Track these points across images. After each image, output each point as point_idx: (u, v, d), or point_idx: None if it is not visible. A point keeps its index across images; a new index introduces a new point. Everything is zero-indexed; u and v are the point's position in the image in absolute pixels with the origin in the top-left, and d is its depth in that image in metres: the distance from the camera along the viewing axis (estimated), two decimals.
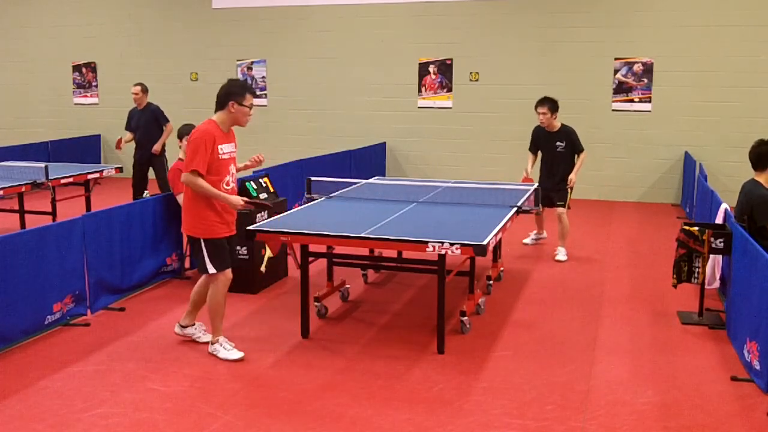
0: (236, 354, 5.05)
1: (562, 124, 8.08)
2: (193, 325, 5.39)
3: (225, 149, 5.01)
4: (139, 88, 9.81)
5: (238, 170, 5.28)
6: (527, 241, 8.70)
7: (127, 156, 10.82)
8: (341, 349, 5.29)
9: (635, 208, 11.19)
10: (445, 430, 4.12)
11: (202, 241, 4.96)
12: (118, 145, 9.93)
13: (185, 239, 7.22)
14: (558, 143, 8.05)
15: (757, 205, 5.78)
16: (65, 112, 14.58)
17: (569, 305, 6.40)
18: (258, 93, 13.43)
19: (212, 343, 5.14)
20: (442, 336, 5.24)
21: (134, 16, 13.95)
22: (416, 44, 12.49)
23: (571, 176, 8.01)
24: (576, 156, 8.09)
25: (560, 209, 8.03)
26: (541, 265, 7.78)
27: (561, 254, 7.99)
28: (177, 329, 5.41)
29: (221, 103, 4.97)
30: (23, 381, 4.72)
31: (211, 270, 5.00)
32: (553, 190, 8.04)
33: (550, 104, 7.97)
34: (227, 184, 5.02)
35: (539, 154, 8.28)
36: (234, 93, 4.94)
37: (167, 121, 9.82)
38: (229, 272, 5.10)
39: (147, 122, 9.75)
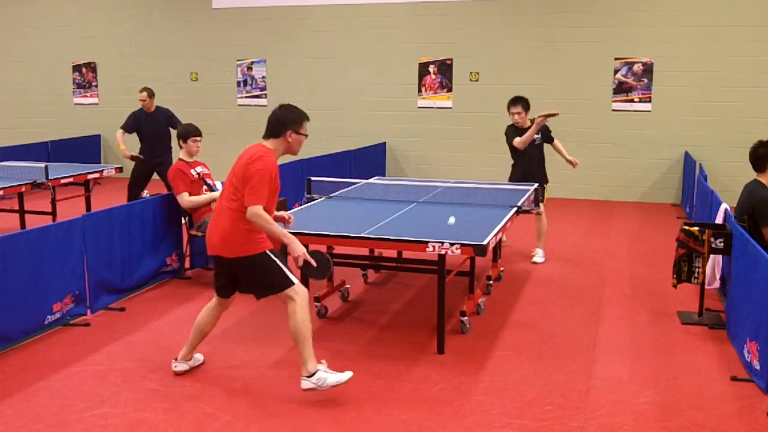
0: (344, 375, 4.43)
1: (530, 119, 8.12)
2: (318, 369, 4.45)
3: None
4: (145, 93, 9.79)
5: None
6: (538, 259, 8.00)
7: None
8: (341, 349, 5.29)
9: (635, 208, 11.18)
10: (445, 430, 4.12)
11: (268, 252, 4.43)
12: (135, 158, 9.78)
13: (185, 239, 7.25)
14: (534, 137, 8.03)
15: (759, 206, 5.78)
16: (65, 112, 14.58)
17: (569, 305, 6.39)
18: (258, 93, 13.44)
19: (308, 376, 4.41)
20: (442, 336, 5.24)
21: (134, 16, 13.96)
22: (416, 44, 12.49)
23: (573, 159, 8.17)
24: (546, 145, 8.20)
25: (540, 208, 7.85)
26: (541, 265, 7.78)
27: (539, 256, 7.89)
28: (304, 383, 4.45)
29: (275, 131, 4.56)
30: (23, 381, 4.72)
31: (294, 280, 4.40)
32: (531, 181, 7.98)
33: (523, 103, 8.03)
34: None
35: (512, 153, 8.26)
36: (291, 121, 4.57)
37: (180, 123, 9.76)
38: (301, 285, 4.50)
39: (159, 126, 9.72)
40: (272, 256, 4.44)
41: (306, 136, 4.68)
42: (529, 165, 7.98)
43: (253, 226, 4.40)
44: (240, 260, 4.46)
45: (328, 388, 4.39)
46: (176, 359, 4.81)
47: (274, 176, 4.46)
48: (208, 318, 4.80)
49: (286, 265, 4.43)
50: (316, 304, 5.97)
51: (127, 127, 9.83)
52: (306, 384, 4.41)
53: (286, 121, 4.58)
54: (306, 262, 4.47)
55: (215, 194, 7.07)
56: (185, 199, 6.95)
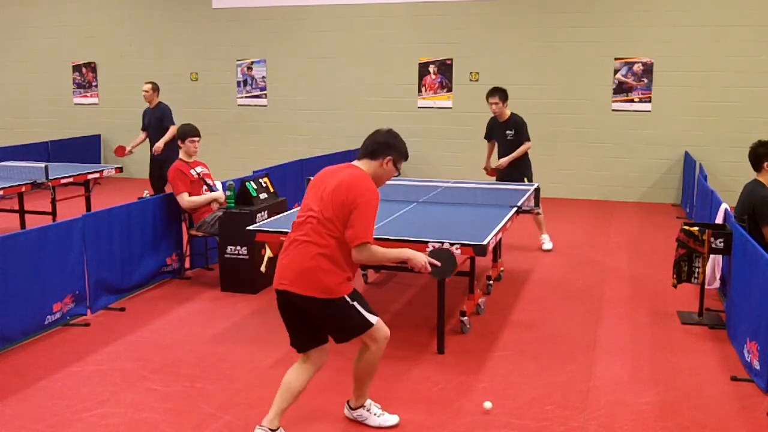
0: (392, 419, 4.21)
1: (512, 113, 8.39)
2: (363, 405, 4.24)
3: None
4: (150, 86, 9.82)
5: None
6: (547, 246, 8.38)
7: (141, 152, 10.71)
8: (341, 349, 5.27)
9: (635, 208, 11.18)
10: (445, 430, 4.12)
11: (347, 298, 3.86)
12: (119, 153, 9.87)
13: (185, 239, 7.26)
14: (507, 132, 8.36)
15: (759, 206, 5.78)
16: (65, 112, 14.58)
17: (569, 305, 6.39)
18: (258, 93, 13.44)
19: (354, 408, 4.23)
20: (442, 336, 5.24)
21: (134, 16, 13.95)
22: (416, 44, 12.49)
23: (503, 160, 8.31)
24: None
25: (539, 208, 8.03)
26: (541, 265, 7.78)
27: (547, 242, 8.38)
28: (346, 411, 4.28)
29: (375, 153, 4.06)
30: (23, 381, 4.72)
31: (372, 319, 3.92)
32: (506, 180, 8.26)
33: (500, 94, 8.27)
34: None
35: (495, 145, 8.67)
36: (396, 149, 4.09)
37: (172, 123, 9.77)
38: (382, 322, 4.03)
39: (155, 121, 9.76)
40: (350, 299, 3.87)
41: (398, 173, 4.25)
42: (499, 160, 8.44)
43: (343, 268, 3.85)
44: (318, 301, 3.82)
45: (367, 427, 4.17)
46: (260, 425, 3.93)
47: (377, 209, 3.89)
48: (298, 375, 3.99)
49: (366, 305, 3.94)
50: None
51: (143, 126, 9.91)
52: (348, 413, 4.25)
53: (391, 146, 4.09)
54: (432, 266, 4.06)
55: (215, 194, 7.07)
56: (185, 199, 6.94)
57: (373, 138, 4.13)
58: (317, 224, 3.82)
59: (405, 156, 4.16)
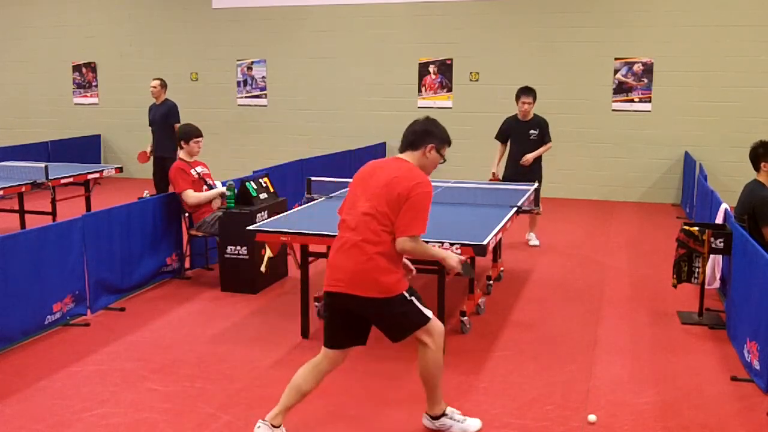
0: (475, 423, 4.10)
1: (534, 113, 8.35)
2: (445, 413, 4.08)
3: None
4: (158, 82, 9.86)
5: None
6: (534, 243, 8.58)
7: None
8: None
9: (635, 208, 11.18)
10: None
11: (406, 294, 3.81)
12: (142, 159, 9.84)
13: (185, 239, 7.26)
14: (531, 131, 8.27)
15: (759, 206, 5.78)
16: (65, 112, 14.58)
17: (569, 305, 6.39)
18: (258, 93, 13.44)
19: (435, 417, 4.05)
20: None
21: (134, 16, 13.95)
22: (416, 44, 12.49)
23: (528, 156, 8.19)
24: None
25: (540, 208, 8.00)
26: (541, 265, 7.78)
27: (534, 239, 8.52)
28: (426, 422, 4.11)
29: (415, 142, 3.99)
30: (23, 381, 4.72)
31: (429, 314, 3.87)
32: (522, 176, 8.15)
33: (534, 94, 8.23)
34: None
35: (507, 145, 8.56)
36: (436, 136, 3.99)
37: (177, 121, 9.79)
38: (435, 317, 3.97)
39: (161, 117, 9.76)
40: (408, 295, 3.82)
41: (444, 160, 4.06)
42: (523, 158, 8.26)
43: (399, 266, 3.83)
44: (376, 301, 3.75)
45: None
46: (263, 419, 3.91)
47: (430, 201, 3.83)
48: (309, 375, 3.94)
49: (420, 300, 3.88)
50: (316, 304, 5.97)
51: (149, 121, 9.91)
52: (427, 423, 4.08)
53: (430, 133, 3.99)
54: (463, 263, 4.05)
55: (221, 189, 7.03)
56: (190, 195, 6.91)
57: (411, 128, 4.05)
58: (371, 220, 3.74)
59: (447, 141, 4.04)
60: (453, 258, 4.00)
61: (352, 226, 3.80)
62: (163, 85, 9.87)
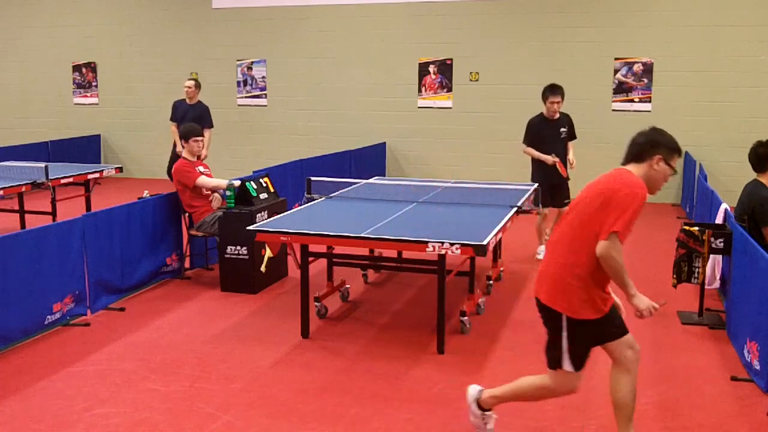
0: None
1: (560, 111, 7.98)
2: (489, 411, 3.97)
3: None
4: (192, 83, 9.88)
5: None
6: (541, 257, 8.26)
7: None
8: (341, 349, 5.29)
9: None
10: (445, 430, 4.12)
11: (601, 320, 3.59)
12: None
13: (185, 239, 7.25)
14: (561, 129, 7.86)
15: (759, 206, 5.78)
16: (65, 112, 14.58)
17: None
18: (258, 93, 13.44)
19: None
20: (442, 336, 5.24)
21: (134, 16, 13.95)
22: (416, 44, 12.49)
23: (570, 157, 7.85)
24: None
25: (544, 209, 7.69)
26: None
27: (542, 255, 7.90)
28: (473, 406, 3.96)
29: (640, 154, 3.69)
30: (23, 381, 4.72)
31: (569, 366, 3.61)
32: (559, 185, 7.76)
33: (562, 91, 7.77)
34: None
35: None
36: (664, 145, 3.68)
37: (211, 125, 9.80)
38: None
39: (194, 119, 9.74)
40: (605, 324, 3.56)
41: (675, 172, 3.76)
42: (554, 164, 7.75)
43: (597, 285, 3.57)
44: (569, 320, 3.57)
45: None
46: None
47: (641, 208, 3.52)
48: (615, 385, 3.72)
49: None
50: (316, 304, 5.97)
51: (176, 118, 9.87)
52: None
53: (657, 143, 3.69)
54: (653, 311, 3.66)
55: (235, 182, 7.02)
56: (206, 181, 6.97)
57: (636, 139, 3.77)
58: (574, 238, 3.60)
59: (677, 150, 3.72)
60: (643, 301, 3.62)
61: (556, 253, 3.69)
62: (198, 85, 9.89)
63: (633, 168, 3.69)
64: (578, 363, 3.60)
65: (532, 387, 3.81)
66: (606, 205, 3.50)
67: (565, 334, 3.58)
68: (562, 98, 7.79)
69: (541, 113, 7.92)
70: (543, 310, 3.69)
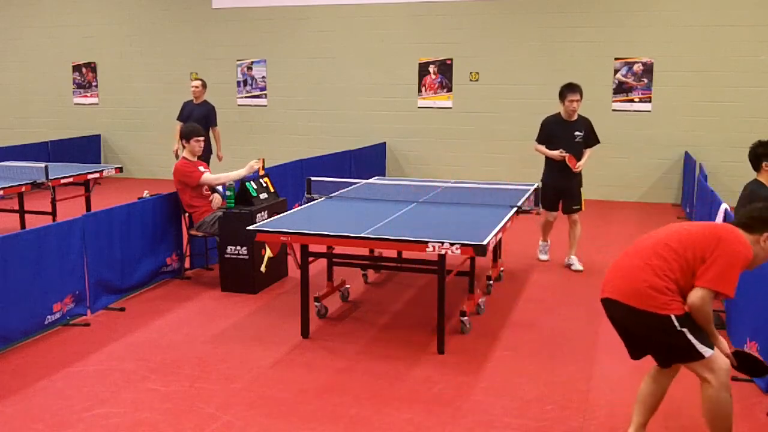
0: None
1: (578, 114, 7.57)
2: None
3: None
4: (199, 82, 10.01)
5: None
6: (543, 257, 7.91)
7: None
8: (341, 349, 5.29)
9: (635, 208, 11.18)
10: (445, 430, 4.12)
11: (673, 318, 3.54)
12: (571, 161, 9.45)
13: (185, 239, 7.25)
14: (576, 132, 7.44)
15: None
16: (65, 112, 14.58)
17: (570, 305, 6.39)
18: (258, 93, 13.44)
19: None
20: (442, 336, 5.24)
21: (134, 16, 13.95)
22: (416, 44, 12.49)
23: (581, 162, 7.42)
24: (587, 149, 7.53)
25: (577, 215, 7.60)
26: (541, 265, 7.78)
27: (577, 263, 7.51)
28: None
29: (750, 226, 3.59)
30: (23, 381, 4.72)
31: (707, 352, 3.51)
32: (567, 190, 7.50)
33: (580, 90, 7.35)
34: None
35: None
36: None
37: (215, 125, 9.89)
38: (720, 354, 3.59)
39: (199, 118, 9.76)
40: (677, 324, 3.51)
41: None
42: (568, 168, 7.40)
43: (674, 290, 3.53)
44: (643, 314, 3.57)
45: None
46: None
47: (741, 270, 3.48)
48: (649, 388, 3.85)
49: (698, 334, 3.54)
50: (316, 304, 5.97)
51: (182, 117, 9.92)
52: None
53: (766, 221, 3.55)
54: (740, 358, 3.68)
55: (239, 172, 7.02)
56: (210, 177, 6.99)
57: (750, 209, 3.66)
58: (674, 256, 3.58)
59: None
60: (724, 348, 3.62)
61: (648, 255, 3.74)
62: (204, 85, 10.02)
63: (751, 238, 3.58)
64: (708, 343, 3.54)
65: (712, 407, 3.58)
66: (716, 248, 3.46)
67: (685, 329, 3.52)
68: (581, 97, 7.38)
69: (558, 113, 7.55)
70: (634, 317, 3.63)
